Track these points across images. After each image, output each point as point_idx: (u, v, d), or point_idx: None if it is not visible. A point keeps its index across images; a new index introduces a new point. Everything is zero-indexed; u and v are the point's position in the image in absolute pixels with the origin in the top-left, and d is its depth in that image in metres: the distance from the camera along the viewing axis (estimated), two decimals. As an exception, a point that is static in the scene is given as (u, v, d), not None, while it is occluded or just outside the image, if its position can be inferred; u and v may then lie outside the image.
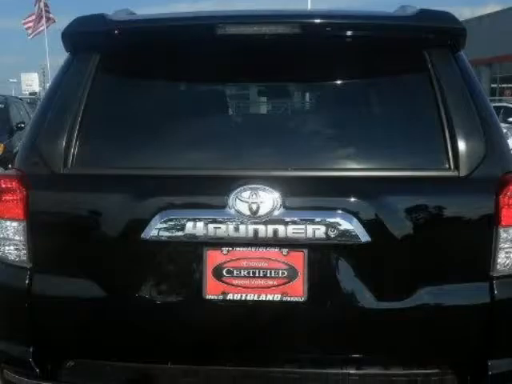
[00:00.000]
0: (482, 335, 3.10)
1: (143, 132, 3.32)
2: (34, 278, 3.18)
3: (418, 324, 3.09)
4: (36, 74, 61.34)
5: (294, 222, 2.93)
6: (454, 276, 3.07)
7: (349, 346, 3.18)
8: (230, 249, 3.03)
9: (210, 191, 3.03)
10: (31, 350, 3.23)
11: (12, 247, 3.18)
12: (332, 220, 2.93)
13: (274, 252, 3.02)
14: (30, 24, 38.12)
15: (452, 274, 3.07)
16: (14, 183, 3.13)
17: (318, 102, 4.47)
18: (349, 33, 3.26)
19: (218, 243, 3.01)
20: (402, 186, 3.05)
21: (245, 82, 4.23)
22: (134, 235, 3.01)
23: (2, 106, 17.59)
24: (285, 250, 3.01)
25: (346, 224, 2.92)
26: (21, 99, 23.01)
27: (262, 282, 3.03)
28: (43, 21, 37.79)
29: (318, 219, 2.93)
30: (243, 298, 3.04)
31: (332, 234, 2.92)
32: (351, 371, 3.21)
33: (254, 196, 2.93)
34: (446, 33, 3.26)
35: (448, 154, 3.03)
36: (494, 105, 19.10)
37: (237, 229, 2.95)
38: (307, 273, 3.01)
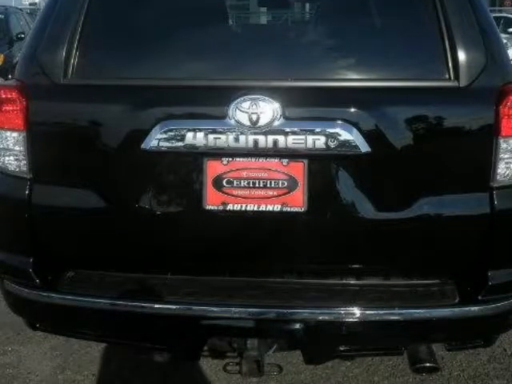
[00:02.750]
0: (482, 246, 3.12)
1: (143, 42, 3.29)
2: (34, 188, 3.19)
3: (417, 234, 3.12)
4: (36, -17, 60.29)
5: (294, 133, 2.91)
6: (454, 187, 3.08)
7: (349, 256, 3.21)
8: (230, 159, 3.02)
9: (210, 101, 3.00)
10: (31, 260, 3.25)
11: (12, 158, 3.18)
12: (332, 130, 2.91)
13: (274, 162, 3.02)
14: None
15: (452, 184, 3.08)
16: (13, 93, 3.11)
17: (318, 12, 4.40)
18: None
19: (217, 154, 3.00)
20: (401, 97, 3.03)
21: None
22: (134, 145, 3.00)
23: (2, 16, 17.46)
24: (285, 161, 3.01)
25: (346, 134, 2.90)
26: (21, 9, 22.76)
27: (261, 193, 3.04)
28: None
29: (317, 129, 2.91)
30: (243, 208, 3.05)
31: (332, 145, 2.90)
32: (351, 281, 3.26)
33: (254, 106, 2.91)
34: None
35: (448, 64, 2.99)
36: (494, 15, 18.84)
37: (237, 139, 2.93)
38: (307, 183, 3.02)
